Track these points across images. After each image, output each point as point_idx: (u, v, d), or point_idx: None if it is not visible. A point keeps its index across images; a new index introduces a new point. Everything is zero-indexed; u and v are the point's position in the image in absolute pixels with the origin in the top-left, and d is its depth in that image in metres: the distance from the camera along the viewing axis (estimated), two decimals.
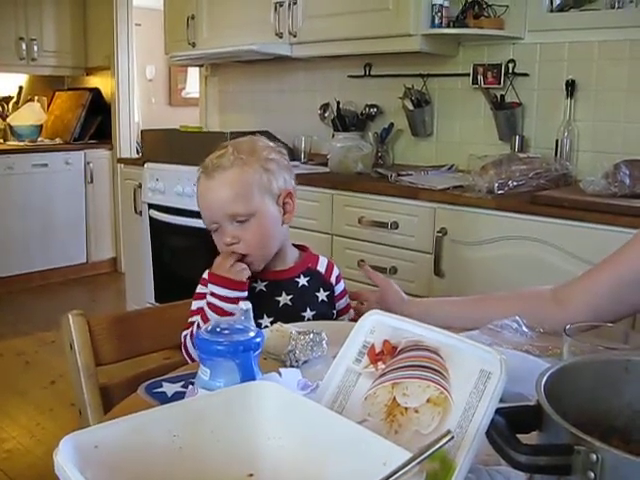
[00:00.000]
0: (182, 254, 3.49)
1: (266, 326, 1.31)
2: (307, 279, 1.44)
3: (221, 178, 1.36)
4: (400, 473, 0.56)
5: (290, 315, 1.38)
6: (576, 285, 1.29)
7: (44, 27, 5.03)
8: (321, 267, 1.48)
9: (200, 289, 1.41)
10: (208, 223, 1.39)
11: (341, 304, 1.52)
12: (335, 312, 1.50)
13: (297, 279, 1.44)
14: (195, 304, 1.39)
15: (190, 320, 1.37)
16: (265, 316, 1.38)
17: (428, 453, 0.58)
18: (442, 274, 2.49)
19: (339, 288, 1.51)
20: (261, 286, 1.41)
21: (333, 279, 1.49)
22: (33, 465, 2.51)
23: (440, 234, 2.46)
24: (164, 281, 3.59)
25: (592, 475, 0.58)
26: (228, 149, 1.39)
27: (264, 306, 1.38)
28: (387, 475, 0.56)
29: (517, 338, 1.28)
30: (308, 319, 1.42)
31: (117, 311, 4.05)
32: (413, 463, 0.57)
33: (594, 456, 0.58)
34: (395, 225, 2.59)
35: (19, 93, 5.34)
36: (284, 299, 1.41)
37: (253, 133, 1.63)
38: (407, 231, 2.57)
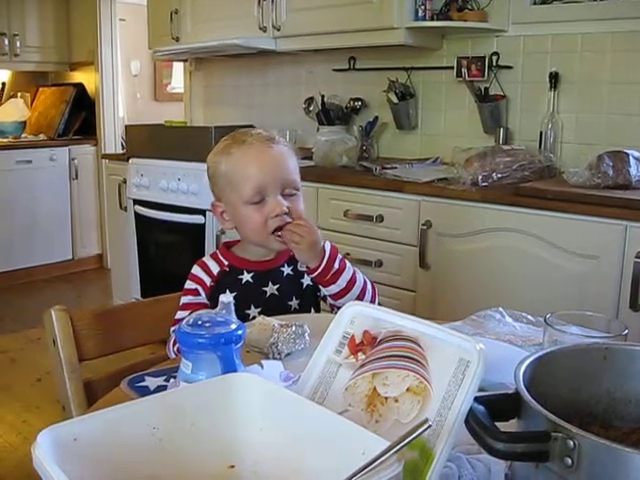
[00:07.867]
0: (167, 249, 3.49)
1: (254, 317, 1.31)
2: (291, 268, 1.44)
3: (279, 148, 1.39)
4: (377, 462, 0.56)
5: (277, 305, 1.38)
6: None
7: (27, 22, 4.99)
8: None
9: (188, 285, 1.40)
10: (254, 193, 1.35)
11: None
12: (322, 294, 1.43)
13: (282, 268, 1.43)
14: (183, 300, 1.39)
15: (177, 317, 1.36)
16: (252, 306, 1.37)
17: (405, 442, 0.58)
18: (427, 266, 2.49)
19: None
20: (248, 277, 1.40)
21: None
22: (20, 462, 2.49)
23: (425, 227, 2.47)
24: (150, 277, 3.57)
25: (569, 461, 0.58)
26: (266, 131, 1.42)
27: (251, 297, 1.38)
28: (364, 464, 0.56)
29: (500, 328, 1.29)
30: (294, 308, 1.42)
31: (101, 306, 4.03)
32: (390, 452, 0.57)
33: (571, 442, 0.58)
34: (380, 218, 2.59)
35: (2, 89, 5.31)
36: (270, 289, 1.40)
37: (238, 127, 1.62)
38: (392, 224, 2.57)
